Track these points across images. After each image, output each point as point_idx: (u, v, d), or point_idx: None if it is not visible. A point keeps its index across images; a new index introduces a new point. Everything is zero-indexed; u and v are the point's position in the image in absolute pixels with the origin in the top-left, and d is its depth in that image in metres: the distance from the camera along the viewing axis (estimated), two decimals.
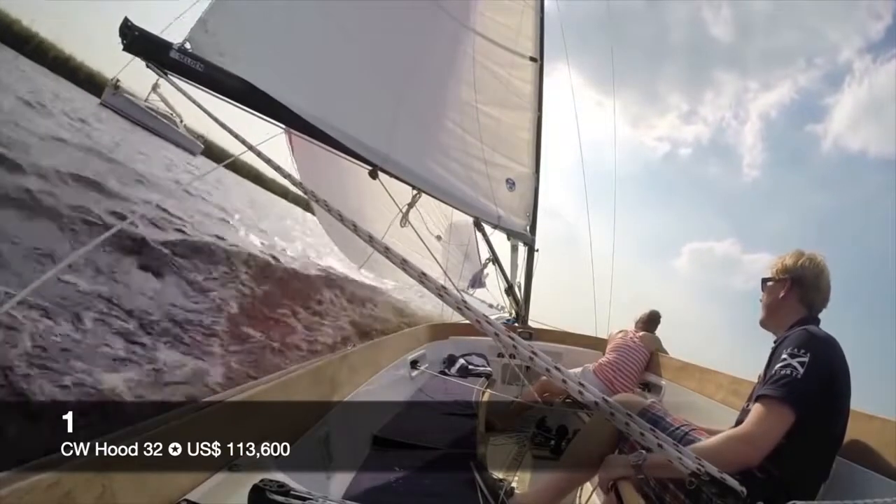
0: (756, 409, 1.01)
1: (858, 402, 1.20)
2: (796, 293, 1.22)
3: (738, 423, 1.21)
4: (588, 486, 1.56)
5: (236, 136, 1.32)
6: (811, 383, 0.99)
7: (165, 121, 22.41)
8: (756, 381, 1.24)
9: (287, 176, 1.11)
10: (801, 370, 0.99)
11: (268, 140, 1.90)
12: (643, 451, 1.05)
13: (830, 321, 1.23)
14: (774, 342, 1.21)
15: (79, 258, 3.18)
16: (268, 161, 1.16)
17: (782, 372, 1.01)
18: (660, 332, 2.95)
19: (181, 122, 24.53)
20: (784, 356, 1.04)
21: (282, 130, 2.28)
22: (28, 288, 0.81)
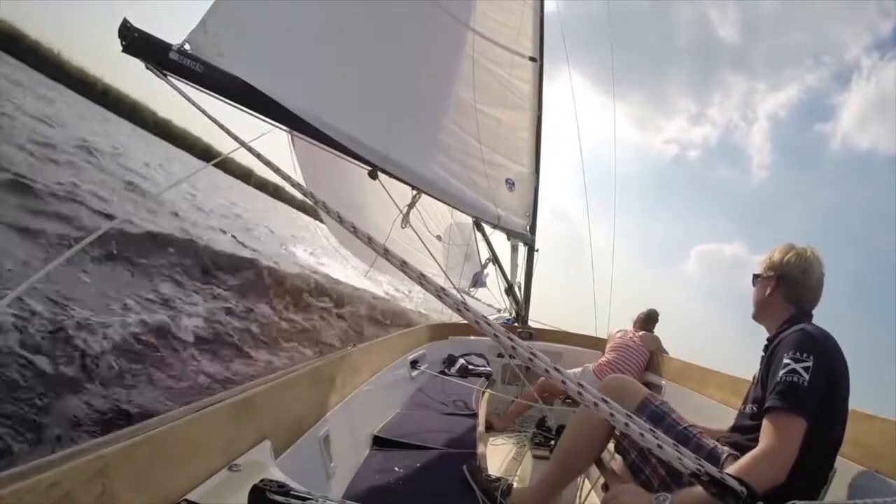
0: (769, 423, 0.98)
1: (864, 402, 1.19)
2: (782, 291, 1.21)
3: (737, 427, 1.20)
4: (587, 485, 1.56)
5: (236, 139, 1.32)
6: (817, 388, 0.97)
7: None
8: (751, 381, 1.24)
9: (286, 178, 1.11)
10: (807, 376, 0.98)
11: (258, 138, 1.89)
12: (668, 495, 0.96)
13: (840, 321, 1.22)
14: (767, 339, 1.21)
15: None
16: (267, 163, 1.16)
17: (788, 379, 0.99)
18: (668, 333, 2.95)
19: None
20: (786, 360, 1.02)
21: (273, 128, 2.26)
22: (25, 283, 0.81)
